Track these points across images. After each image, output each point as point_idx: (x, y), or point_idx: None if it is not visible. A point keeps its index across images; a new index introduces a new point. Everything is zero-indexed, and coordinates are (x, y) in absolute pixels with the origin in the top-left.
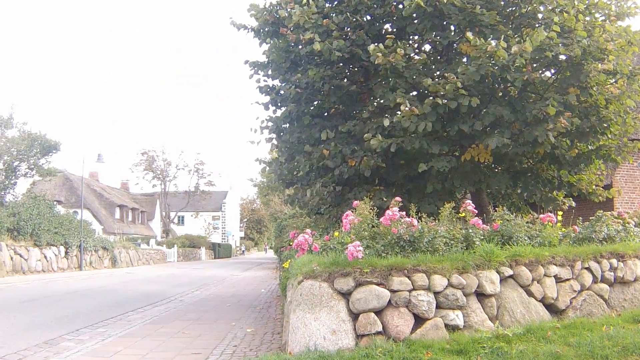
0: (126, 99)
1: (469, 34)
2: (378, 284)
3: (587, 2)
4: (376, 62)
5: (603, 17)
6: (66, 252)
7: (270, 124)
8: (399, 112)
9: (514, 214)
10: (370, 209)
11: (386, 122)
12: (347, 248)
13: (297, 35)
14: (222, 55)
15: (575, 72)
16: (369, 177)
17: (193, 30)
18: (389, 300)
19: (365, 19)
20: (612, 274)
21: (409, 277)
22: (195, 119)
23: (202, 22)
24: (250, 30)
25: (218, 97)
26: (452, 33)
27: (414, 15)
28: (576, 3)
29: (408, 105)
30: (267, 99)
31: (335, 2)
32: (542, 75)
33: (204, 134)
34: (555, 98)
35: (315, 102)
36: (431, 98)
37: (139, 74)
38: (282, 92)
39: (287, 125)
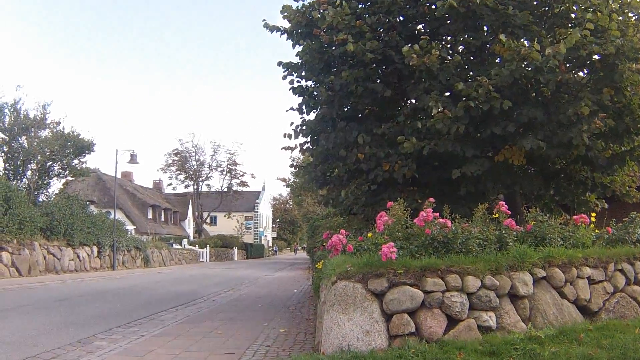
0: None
1: (502, 36)
2: (411, 285)
3: (620, 1)
4: (411, 64)
5: (636, 17)
6: (99, 252)
7: (304, 127)
8: (432, 113)
9: (547, 215)
10: (404, 209)
11: (419, 125)
12: (380, 249)
13: (331, 37)
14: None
15: (609, 72)
16: (403, 179)
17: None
18: (423, 301)
19: (398, 20)
20: None
21: (442, 278)
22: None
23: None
24: (283, 32)
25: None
26: (485, 34)
27: (447, 16)
28: (610, 2)
29: (440, 107)
30: (300, 100)
31: (369, 3)
32: (576, 75)
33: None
34: (589, 98)
35: (349, 104)
36: (464, 99)
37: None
38: (315, 93)
39: (321, 128)
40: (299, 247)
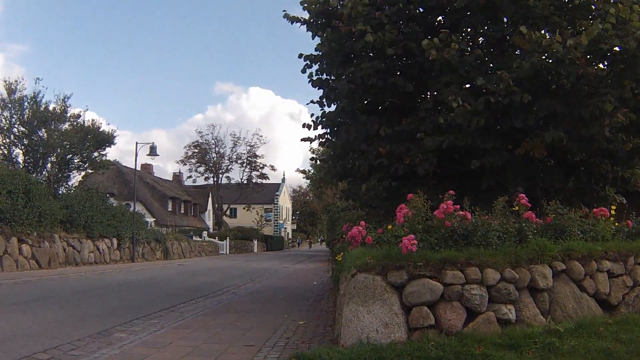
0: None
1: (523, 28)
2: (431, 278)
3: None
4: (430, 58)
5: None
6: (118, 244)
7: (324, 119)
8: (453, 106)
9: (567, 208)
10: (425, 201)
11: (441, 120)
12: (401, 241)
13: (349, 28)
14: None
15: (630, 65)
16: (424, 173)
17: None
18: (442, 294)
19: (418, 12)
20: None
21: (462, 271)
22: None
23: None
24: (303, 23)
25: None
26: (505, 25)
27: (467, 7)
28: None
29: (461, 102)
30: (320, 92)
31: None
32: (596, 68)
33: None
34: (612, 93)
35: (369, 97)
36: (484, 91)
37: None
38: (335, 85)
39: (341, 120)
40: (320, 239)
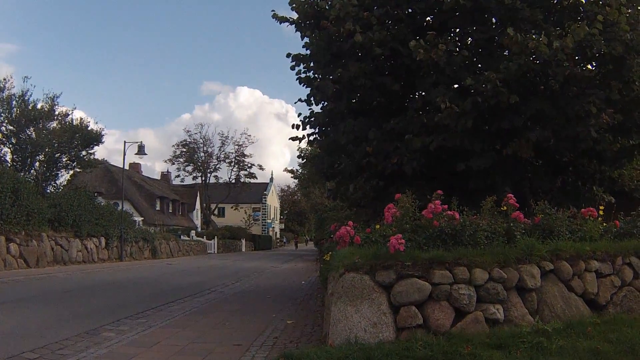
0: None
1: (510, 30)
2: (419, 277)
3: None
4: (418, 58)
5: None
6: (107, 243)
7: (312, 119)
8: (441, 107)
9: (555, 208)
10: (413, 201)
11: (426, 120)
12: (389, 241)
13: (338, 28)
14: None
15: (618, 67)
16: (412, 172)
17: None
18: (430, 294)
19: (406, 13)
20: None
21: (450, 271)
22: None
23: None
24: (291, 23)
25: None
26: (494, 27)
27: (455, 9)
28: None
29: (447, 103)
30: (307, 91)
31: None
32: (584, 69)
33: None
34: (598, 95)
35: (357, 97)
36: (472, 91)
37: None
38: (319, 86)
39: (329, 120)
40: (305, 240)
